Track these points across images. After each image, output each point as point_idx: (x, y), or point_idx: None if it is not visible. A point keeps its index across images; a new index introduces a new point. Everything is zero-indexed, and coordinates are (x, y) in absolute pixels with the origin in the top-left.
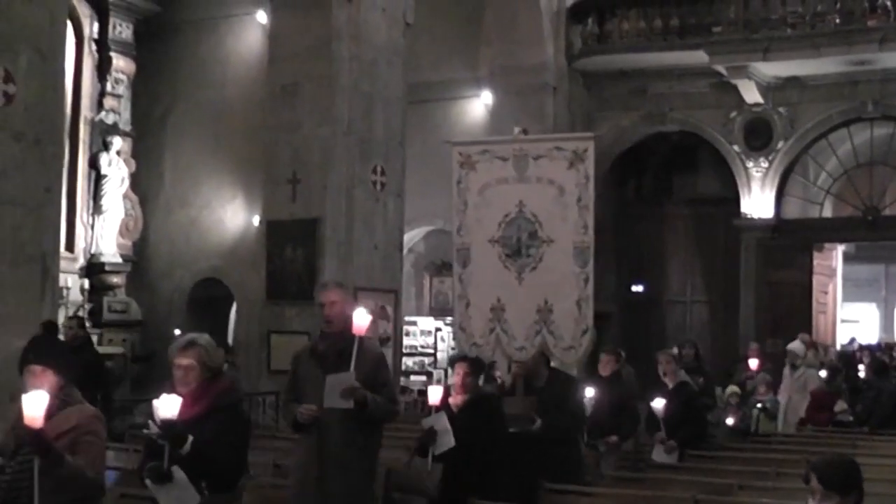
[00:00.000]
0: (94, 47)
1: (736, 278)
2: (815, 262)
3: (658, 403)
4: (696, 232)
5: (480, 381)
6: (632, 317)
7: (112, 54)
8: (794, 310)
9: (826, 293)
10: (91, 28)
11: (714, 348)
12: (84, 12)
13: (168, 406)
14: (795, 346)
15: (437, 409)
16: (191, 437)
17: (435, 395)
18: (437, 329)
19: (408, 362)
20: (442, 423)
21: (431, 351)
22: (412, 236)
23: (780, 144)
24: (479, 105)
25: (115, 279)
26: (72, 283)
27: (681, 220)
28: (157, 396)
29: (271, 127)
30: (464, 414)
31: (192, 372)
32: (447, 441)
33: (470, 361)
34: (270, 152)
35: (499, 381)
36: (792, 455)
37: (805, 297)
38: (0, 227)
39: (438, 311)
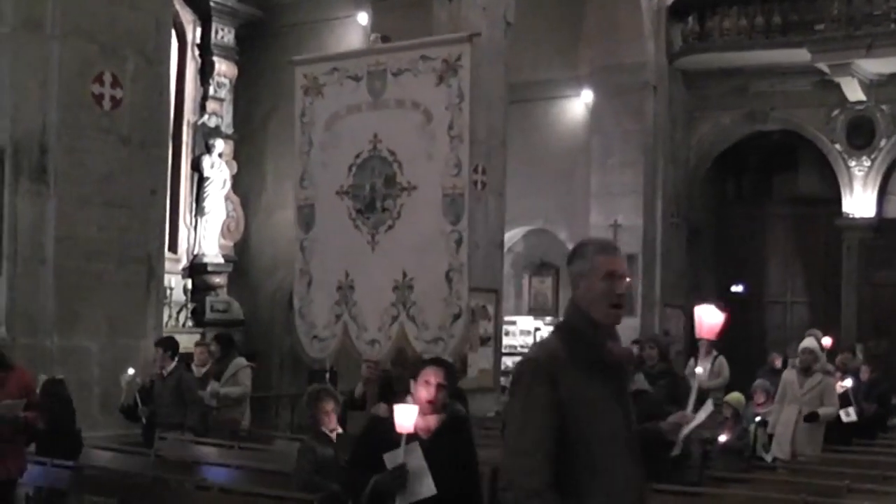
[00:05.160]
0: (197, 52)
1: (837, 279)
2: None
3: None
4: (797, 232)
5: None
6: (731, 318)
7: (215, 59)
8: None
9: None
10: (194, 33)
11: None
12: (187, 18)
13: (405, 415)
14: (813, 344)
15: (410, 437)
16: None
17: (406, 416)
18: (537, 329)
19: (507, 362)
20: (417, 459)
21: None
22: (511, 236)
23: (883, 143)
24: (579, 104)
25: (217, 279)
26: (175, 284)
27: (781, 219)
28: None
29: None
30: (437, 443)
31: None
32: (424, 487)
33: (447, 367)
34: None
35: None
36: None
37: None
38: (107, 228)
39: (538, 311)
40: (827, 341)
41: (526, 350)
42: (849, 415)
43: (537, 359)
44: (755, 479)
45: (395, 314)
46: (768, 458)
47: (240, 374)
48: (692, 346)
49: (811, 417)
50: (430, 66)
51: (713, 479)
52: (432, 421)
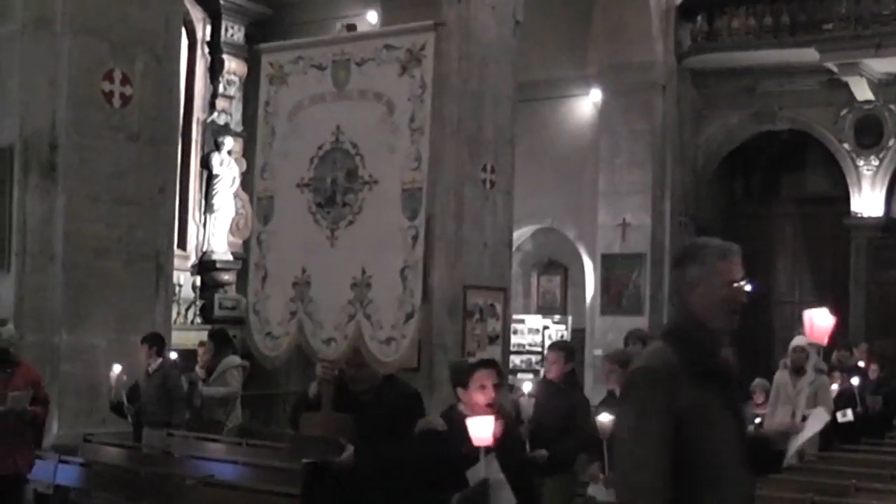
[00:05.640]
0: (206, 50)
1: (845, 278)
2: None
3: (605, 418)
4: (805, 231)
5: None
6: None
7: (224, 56)
8: None
9: None
10: (204, 31)
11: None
12: (197, 16)
13: (482, 427)
14: (805, 342)
15: (489, 450)
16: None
17: (484, 428)
18: (545, 327)
19: (515, 360)
20: (495, 472)
21: (539, 349)
22: (520, 235)
23: (892, 142)
24: (587, 104)
25: (226, 276)
26: (184, 281)
27: (789, 219)
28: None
29: None
30: (506, 450)
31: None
32: (504, 501)
33: (497, 367)
34: None
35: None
36: None
37: None
38: (116, 225)
39: (546, 310)
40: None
41: (533, 348)
42: (845, 415)
43: (652, 366)
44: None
45: (353, 312)
46: None
47: (228, 374)
48: None
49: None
50: (393, 56)
51: None
52: (496, 428)
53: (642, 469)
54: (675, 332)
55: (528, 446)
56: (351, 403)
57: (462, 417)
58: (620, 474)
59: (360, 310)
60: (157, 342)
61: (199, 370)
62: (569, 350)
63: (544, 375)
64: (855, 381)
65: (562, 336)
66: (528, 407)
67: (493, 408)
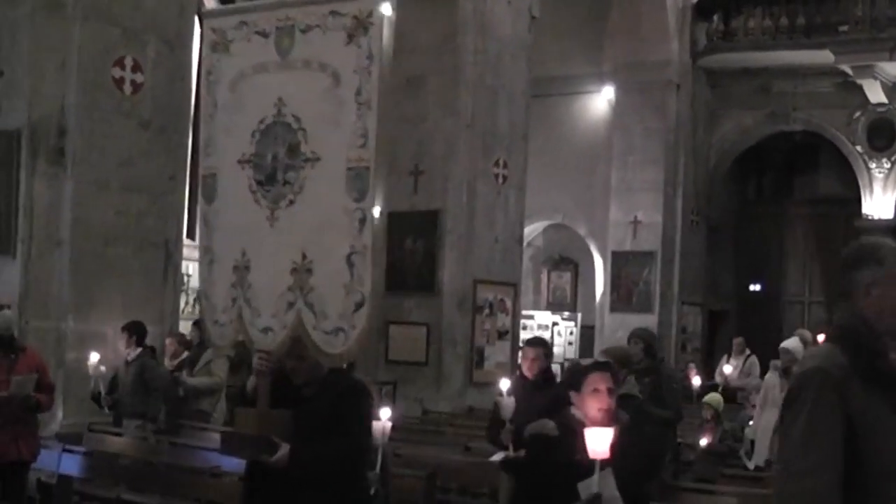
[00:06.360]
0: None
1: None
2: None
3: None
4: (816, 232)
5: None
6: (749, 316)
7: None
8: None
9: None
10: None
11: None
12: (211, 3)
13: (600, 440)
14: (793, 344)
15: (605, 464)
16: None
17: (602, 440)
18: (555, 323)
19: None
20: (610, 489)
21: None
22: (531, 230)
23: None
24: (601, 101)
25: None
26: (192, 270)
27: (801, 220)
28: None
29: (395, 119)
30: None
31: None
32: None
33: (612, 369)
34: (394, 144)
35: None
36: None
37: None
38: (125, 213)
39: (556, 306)
40: (821, 339)
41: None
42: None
43: (824, 368)
44: (717, 491)
45: (292, 300)
46: (751, 464)
47: (213, 364)
48: (710, 344)
49: None
50: (339, 23)
51: (669, 487)
52: (612, 438)
53: (814, 476)
54: (844, 334)
55: (510, 448)
56: (292, 398)
57: (575, 423)
58: (787, 481)
59: (300, 297)
60: (138, 330)
61: (167, 361)
62: (548, 346)
63: (520, 373)
64: None
65: (571, 333)
66: (509, 406)
67: (608, 413)
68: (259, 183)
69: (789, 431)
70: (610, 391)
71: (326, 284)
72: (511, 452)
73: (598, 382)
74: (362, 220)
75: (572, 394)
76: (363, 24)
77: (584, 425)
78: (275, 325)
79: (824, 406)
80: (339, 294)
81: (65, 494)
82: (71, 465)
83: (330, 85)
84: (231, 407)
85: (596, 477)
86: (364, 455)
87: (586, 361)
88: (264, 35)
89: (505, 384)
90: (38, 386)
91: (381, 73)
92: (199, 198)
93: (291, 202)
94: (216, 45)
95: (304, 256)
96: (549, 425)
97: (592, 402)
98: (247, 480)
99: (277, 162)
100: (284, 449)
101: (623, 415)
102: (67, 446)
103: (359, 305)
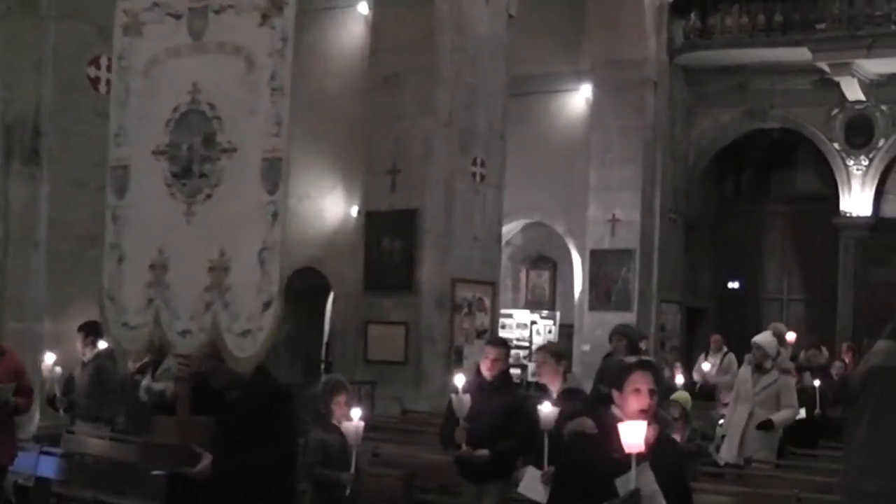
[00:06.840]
0: None
1: (834, 277)
2: None
3: (546, 408)
4: (795, 230)
5: None
6: (728, 314)
7: None
8: (892, 309)
9: None
10: None
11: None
12: None
13: (633, 433)
14: (765, 339)
15: (642, 458)
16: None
17: (635, 434)
18: (533, 322)
19: None
20: (649, 484)
21: (527, 344)
22: (509, 229)
23: (882, 142)
24: (579, 99)
25: None
26: None
27: (779, 217)
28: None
29: (372, 118)
30: (657, 461)
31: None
32: None
33: (655, 369)
34: (371, 143)
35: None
36: None
37: None
38: (101, 213)
39: (534, 304)
40: (791, 336)
41: (521, 343)
42: (797, 412)
43: (886, 366)
44: (749, 476)
45: (210, 301)
46: (721, 460)
47: (174, 366)
48: (689, 342)
49: (765, 425)
50: (252, 3)
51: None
52: (649, 434)
53: (880, 474)
54: None
55: (463, 446)
56: (214, 403)
57: (615, 421)
58: (854, 478)
59: (218, 298)
60: (94, 331)
61: (130, 364)
62: (509, 348)
63: (478, 373)
64: (816, 382)
65: (549, 331)
66: (464, 404)
67: (648, 414)
68: (175, 175)
69: (855, 430)
70: (651, 392)
71: (241, 284)
72: (466, 449)
73: (639, 382)
74: (274, 215)
75: (614, 392)
76: (277, 3)
77: None
78: (193, 327)
79: (889, 402)
80: (250, 294)
81: (42, 497)
82: (48, 467)
83: (244, 70)
84: (152, 414)
85: (633, 472)
86: (292, 462)
87: (630, 359)
88: (177, 17)
89: (460, 380)
90: (17, 389)
91: (290, 50)
92: (108, 192)
93: (209, 196)
94: (128, 28)
95: (221, 254)
96: (588, 423)
97: (633, 402)
98: (169, 492)
99: (193, 153)
100: (207, 459)
101: (665, 415)
102: (45, 448)
103: (266, 306)
